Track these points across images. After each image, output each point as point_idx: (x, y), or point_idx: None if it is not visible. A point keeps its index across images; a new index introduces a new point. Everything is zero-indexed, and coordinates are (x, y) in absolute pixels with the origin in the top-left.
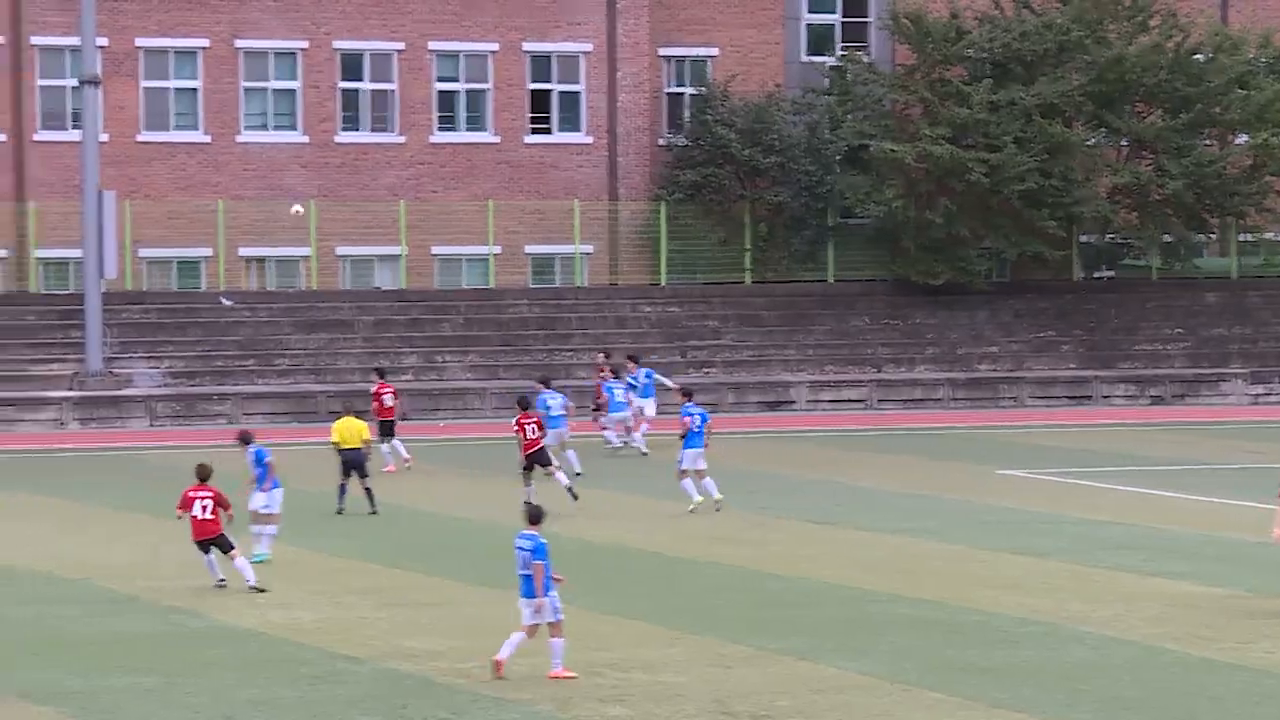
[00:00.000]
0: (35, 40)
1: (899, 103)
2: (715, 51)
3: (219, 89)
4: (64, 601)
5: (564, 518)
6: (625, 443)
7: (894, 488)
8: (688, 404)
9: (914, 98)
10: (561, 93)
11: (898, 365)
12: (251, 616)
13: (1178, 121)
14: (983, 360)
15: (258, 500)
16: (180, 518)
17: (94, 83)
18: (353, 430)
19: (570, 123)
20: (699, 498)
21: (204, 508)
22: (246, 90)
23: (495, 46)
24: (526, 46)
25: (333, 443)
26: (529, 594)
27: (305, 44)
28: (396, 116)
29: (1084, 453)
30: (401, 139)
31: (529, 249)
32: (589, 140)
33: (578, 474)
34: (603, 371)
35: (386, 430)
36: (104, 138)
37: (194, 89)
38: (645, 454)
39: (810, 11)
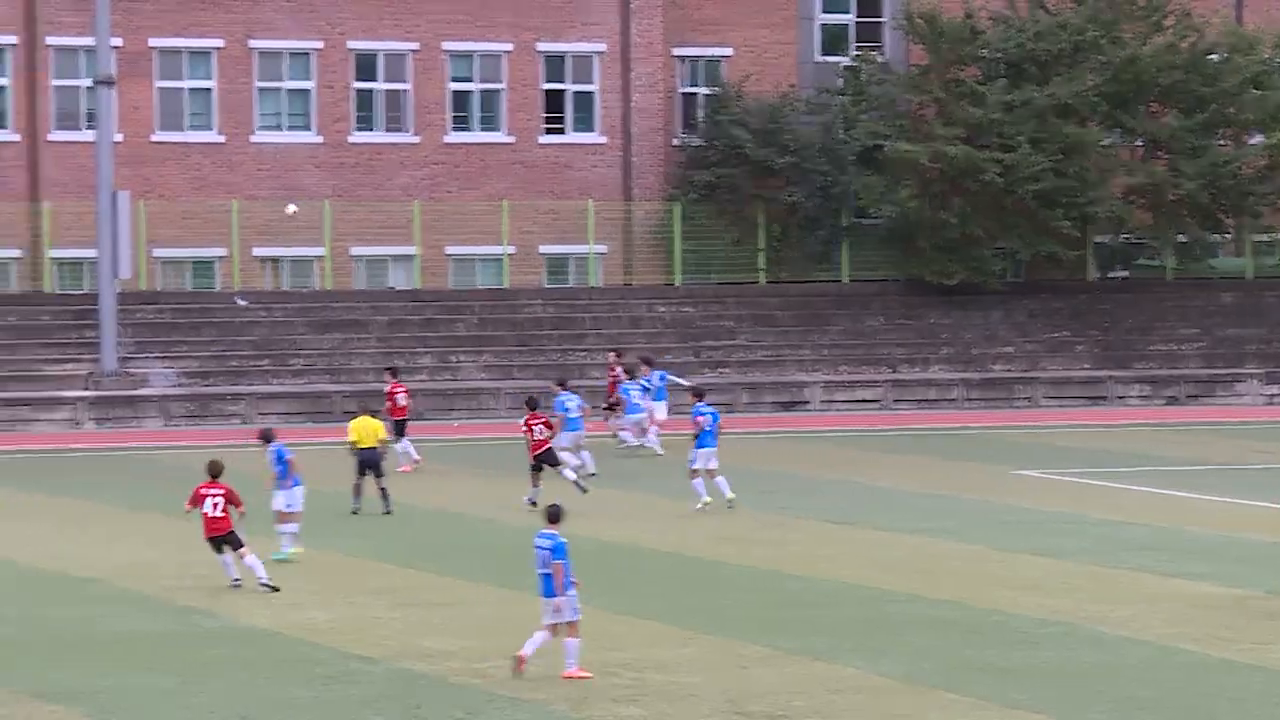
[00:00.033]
0: (50, 40)
1: (913, 103)
2: (729, 51)
3: (233, 89)
4: (78, 601)
5: (579, 516)
6: (641, 444)
7: (912, 488)
8: (699, 404)
9: (928, 98)
10: (576, 93)
11: (912, 365)
12: (266, 616)
13: (1192, 121)
14: (997, 360)
15: (280, 500)
16: (189, 513)
17: (108, 83)
18: (369, 430)
19: (584, 123)
20: (708, 497)
21: (215, 505)
22: (261, 90)
23: (509, 47)
24: (541, 47)
25: (349, 442)
26: (549, 593)
27: (320, 44)
28: (411, 117)
29: (1100, 453)
30: (416, 139)
31: (543, 249)
32: (603, 140)
33: (592, 474)
34: (614, 370)
35: (400, 430)
36: (118, 138)
37: (208, 89)
38: (660, 454)
39: (824, 11)
